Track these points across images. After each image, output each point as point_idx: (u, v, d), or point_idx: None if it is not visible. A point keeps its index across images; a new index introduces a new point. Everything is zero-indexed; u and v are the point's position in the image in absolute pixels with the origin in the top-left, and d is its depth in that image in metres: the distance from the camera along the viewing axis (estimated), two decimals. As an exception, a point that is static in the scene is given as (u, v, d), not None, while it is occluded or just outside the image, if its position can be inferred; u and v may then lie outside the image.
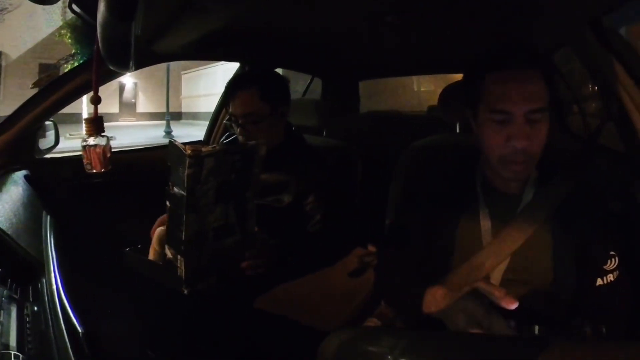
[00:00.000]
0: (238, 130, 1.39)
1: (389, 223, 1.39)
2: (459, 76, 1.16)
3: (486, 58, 0.98)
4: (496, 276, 0.96)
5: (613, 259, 0.93)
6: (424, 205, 1.09)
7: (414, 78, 9.45)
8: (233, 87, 1.41)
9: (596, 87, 1.38)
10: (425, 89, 9.68)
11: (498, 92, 0.92)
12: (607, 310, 0.93)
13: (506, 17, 1.21)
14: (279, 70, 1.76)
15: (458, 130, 1.56)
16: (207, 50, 1.64)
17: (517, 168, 0.94)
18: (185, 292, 1.04)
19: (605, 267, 0.93)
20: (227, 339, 1.19)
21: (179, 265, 1.03)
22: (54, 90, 1.39)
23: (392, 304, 1.11)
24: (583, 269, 0.94)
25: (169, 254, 1.06)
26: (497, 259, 0.95)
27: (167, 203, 1.02)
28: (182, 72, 22.18)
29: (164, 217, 1.14)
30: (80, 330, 0.71)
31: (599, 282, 0.92)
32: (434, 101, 1.62)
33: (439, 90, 1.44)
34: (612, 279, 0.92)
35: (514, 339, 0.52)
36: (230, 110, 1.40)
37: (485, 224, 1.00)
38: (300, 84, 2.83)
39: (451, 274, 0.98)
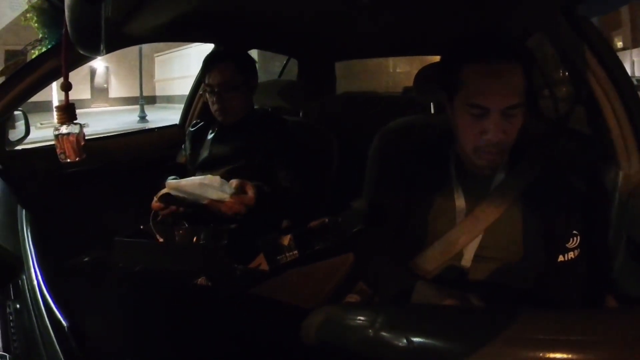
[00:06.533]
0: (214, 99, 1.51)
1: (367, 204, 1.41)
2: (434, 58, 1.17)
3: (465, 47, 0.96)
4: (469, 253, 0.99)
5: (575, 238, 0.97)
6: (399, 185, 1.11)
7: (390, 59, 9.43)
8: (211, 61, 1.54)
9: (567, 73, 1.41)
10: (401, 70, 9.68)
11: (476, 86, 0.91)
12: (565, 285, 0.98)
13: (482, 1, 1.21)
14: (255, 51, 1.78)
15: (432, 111, 1.58)
16: (181, 32, 1.60)
17: (490, 157, 0.96)
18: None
19: (567, 245, 0.97)
20: (212, 325, 1.20)
21: None
22: (22, 78, 1.32)
23: (371, 285, 1.14)
24: (549, 246, 0.98)
25: None
26: (470, 235, 0.98)
27: None
28: (155, 55, 21.55)
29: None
30: (65, 325, 0.70)
31: (561, 258, 0.97)
32: (410, 82, 1.63)
33: (415, 72, 1.45)
34: (573, 257, 0.97)
35: (489, 310, 0.55)
36: (208, 81, 1.52)
37: (460, 202, 1.02)
38: (276, 65, 2.79)
39: (427, 250, 1.02)
